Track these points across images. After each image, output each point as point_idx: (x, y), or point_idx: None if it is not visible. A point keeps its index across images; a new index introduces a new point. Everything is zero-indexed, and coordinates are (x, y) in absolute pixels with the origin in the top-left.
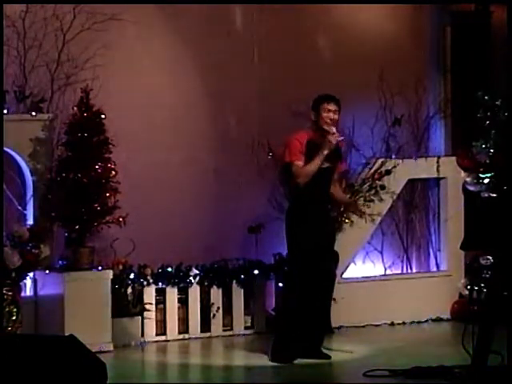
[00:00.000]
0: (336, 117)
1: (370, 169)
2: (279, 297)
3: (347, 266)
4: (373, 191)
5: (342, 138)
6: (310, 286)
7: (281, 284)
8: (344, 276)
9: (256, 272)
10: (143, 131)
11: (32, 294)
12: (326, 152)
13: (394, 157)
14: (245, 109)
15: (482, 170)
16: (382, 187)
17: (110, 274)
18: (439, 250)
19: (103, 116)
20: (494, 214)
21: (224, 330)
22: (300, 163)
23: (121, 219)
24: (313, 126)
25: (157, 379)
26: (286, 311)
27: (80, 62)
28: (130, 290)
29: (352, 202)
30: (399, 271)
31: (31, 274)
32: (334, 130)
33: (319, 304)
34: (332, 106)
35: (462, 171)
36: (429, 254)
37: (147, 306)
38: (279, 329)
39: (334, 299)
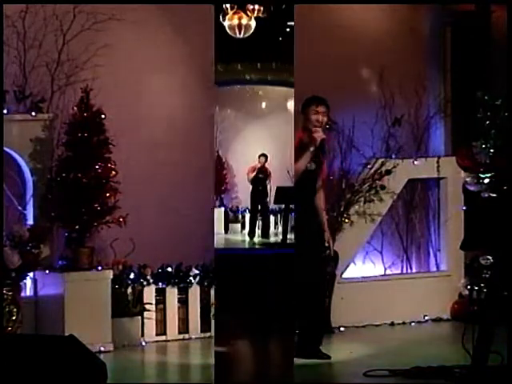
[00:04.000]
0: (325, 119)
1: (370, 169)
2: None
3: (347, 266)
4: (373, 191)
5: (324, 137)
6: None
7: None
8: (344, 276)
9: None
10: (143, 131)
11: (32, 294)
12: (312, 148)
13: (393, 157)
14: None
15: (482, 170)
16: (382, 187)
17: (110, 274)
18: (439, 250)
19: (103, 116)
20: (494, 214)
21: None
22: None
23: (121, 219)
24: (302, 127)
25: (157, 379)
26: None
27: (80, 62)
28: (129, 290)
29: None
30: (399, 271)
31: (31, 274)
32: (319, 131)
33: (313, 302)
34: (321, 109)
35: (462, 171)
36: (429, 254)
37: (147, 306)
38: None
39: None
